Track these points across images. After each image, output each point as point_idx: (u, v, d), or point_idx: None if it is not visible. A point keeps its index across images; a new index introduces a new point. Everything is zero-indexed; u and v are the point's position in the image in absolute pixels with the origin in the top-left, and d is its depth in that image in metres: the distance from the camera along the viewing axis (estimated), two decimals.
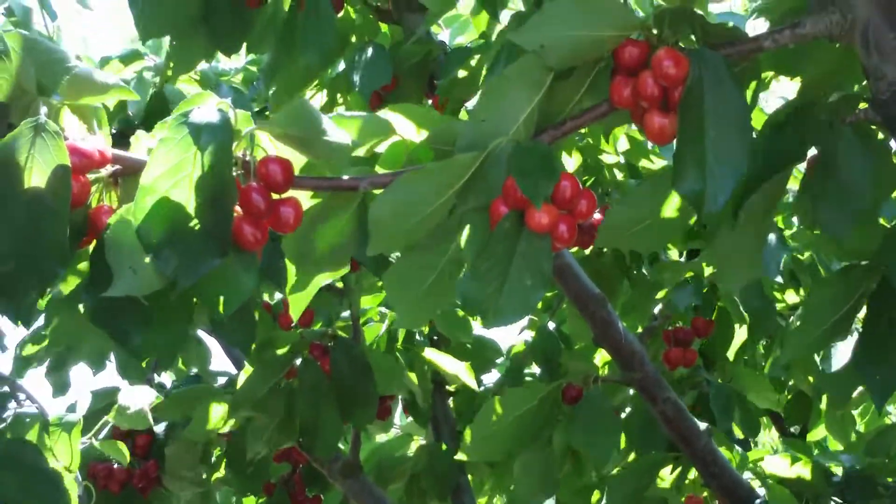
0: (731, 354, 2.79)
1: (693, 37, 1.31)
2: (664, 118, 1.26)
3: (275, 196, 1.23)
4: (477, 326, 3.43)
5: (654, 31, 1.27)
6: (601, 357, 2.76)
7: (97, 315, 1.18)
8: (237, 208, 1.19)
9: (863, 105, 1.34)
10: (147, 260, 1.13)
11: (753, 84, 1.40)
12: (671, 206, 1.37)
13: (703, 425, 2.21)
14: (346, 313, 2.67)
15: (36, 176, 1.11)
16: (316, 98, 2.73)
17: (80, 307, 1.28)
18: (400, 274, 1.34)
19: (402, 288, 1.35)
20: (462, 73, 2.32)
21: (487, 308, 1.24)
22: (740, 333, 2.77)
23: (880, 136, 1.38)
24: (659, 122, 1.26)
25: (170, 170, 1.10)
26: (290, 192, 1.25)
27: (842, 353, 1.89)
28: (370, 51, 2.39)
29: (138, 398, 1.87)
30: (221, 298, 1.19)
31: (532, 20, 1.23)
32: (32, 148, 1.11)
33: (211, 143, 1.11)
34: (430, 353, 2.78)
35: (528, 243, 1.25)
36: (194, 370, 3.02)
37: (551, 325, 3.29)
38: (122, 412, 1.82)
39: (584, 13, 1.22)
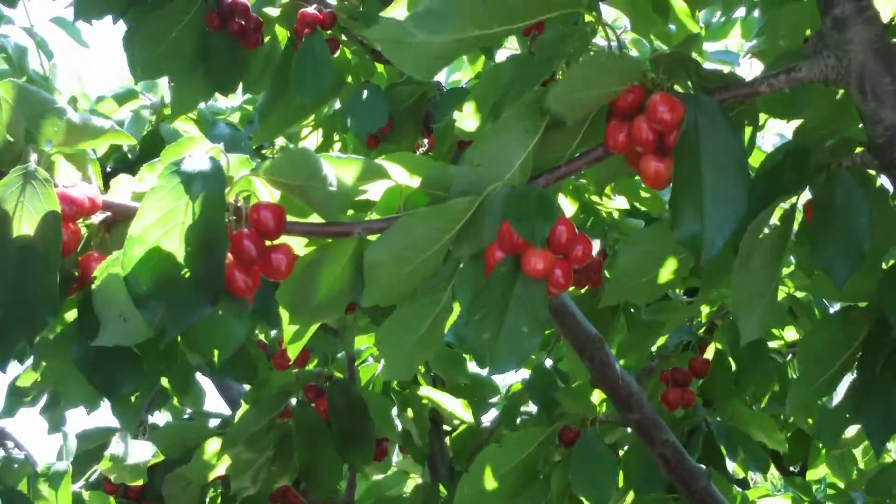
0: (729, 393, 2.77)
1: (689, 82, 1.30)
2: (660, 163, 1.25)
3: (267, 242, 1.22)
4: (473, 364, 3.41)
5: (650, 76, 1.27)
6: (598, 394, 2.74)
7: (85, 365, 1.17)
8: (228, 255, 1.17)
9: (859, 149, 1.33)
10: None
11: (749, 128, 1.40)
12: (673, 255, 1.36)
13: (701, 467, 2.19)
14: (341, 353, 2.66)
15: (26, 224, 1.09)
16: (311, 137, 2.72)
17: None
18: (394, 328, 1.33)
19: (394, 341, 1.33)
20: (457, 114, 2.31)
21: (484, 355, 1.23)
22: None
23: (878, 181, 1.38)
24: (655, 167, 1.25)
25: (160, 219, 1.09)
26: (283, 238, 1.24)
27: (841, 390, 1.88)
28: (366, 92, 2.39)
29: (137, 453, 1.84)
30: (214, 346, 1.17)
31: (560, 86, 1.22)
32: (22, 196, 1.10)
33: (203, 191, 1.10)
34: (427, 391, 2.76)
35: (524, 288, 1.24)
36: (189, 411, 2.99)
37: (548, 363, 3.27)
38: (118, 464, 1.79)
39: (599, 74, 1.22)
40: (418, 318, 1.33)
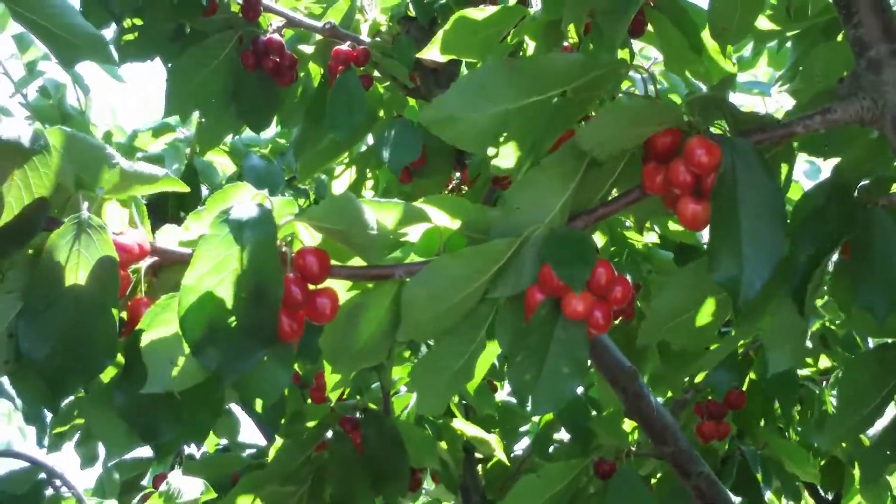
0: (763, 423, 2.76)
1: (725, 123, 1.32)
2: (697, 205, 1.26)
3: (311, 287, 1.24)
4: (503, 393, 3.42)
5: (686, 119, 1.29)
6: (629, 423, 2.74)
7: (128, 411, 1.19)
8: None
9: (895, 188, 1.34)
10: (186, 355, 1.14)
11: (786, 166, 1.41)
12: (711, 296, 1.37)
13: (736, 499, 2.19)
14: (375, 384, 2.68)
15: (82, 271, 1.12)
16: (345, 175, 2.75)
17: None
18: (428, 364, 1.35)
19: (429, 377, 1.35)
20: (492, 151, 2.33)
21: (525, 396, 1.24)
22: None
23: None
24: (692, 209, 1.26)
25: (214, 267, 1.11)
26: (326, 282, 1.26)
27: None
28: (399, 126, 2.41)
29: (188, 490, 1.86)
30: (258, 393, 1.19)
31: (591, 124, 1.25)
32: (77, 244, 1.12)
33: (253, 238, 1.13)
34: (460, 424, 2.77)
35: (565, 330, 1.26)
36: (224, 441, 3.01)
37: (579, 391, 3.27)
38: (168, 501, 1.81)
39: (636, 117, 1.24)
40: (453, 355, 1.35)
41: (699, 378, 2.55)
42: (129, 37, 2.32)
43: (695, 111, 1.29)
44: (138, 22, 2.33)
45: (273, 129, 3.38)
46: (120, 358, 1.25)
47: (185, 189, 1.28)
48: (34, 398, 1.17)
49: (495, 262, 1.28)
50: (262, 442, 2.96)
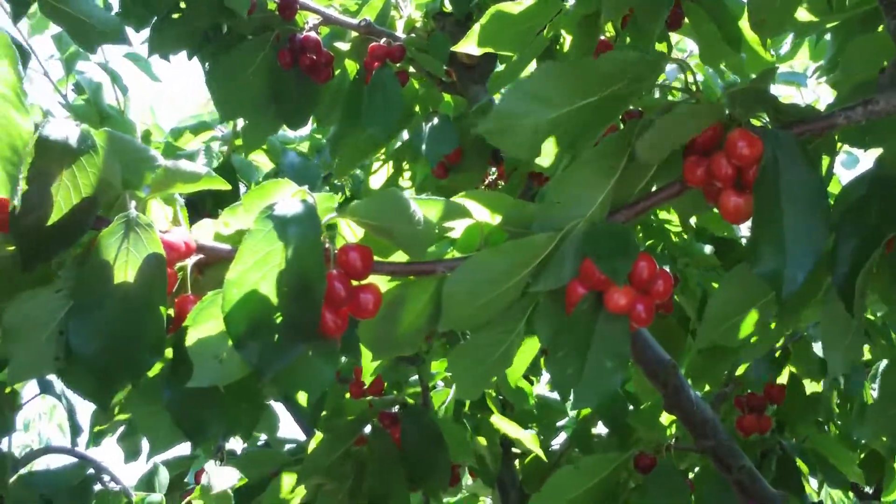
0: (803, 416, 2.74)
1: (766, 116, 1.32)
2: (739, 198, 1.26)
3: (354, 282, 1.25)
4: (538, 388, 3.42)
5: (727, 112, 1.28)
6: (666, 416, 2.73)
7: (175, 406, 1.21)
8: None
9: None
10: (231, 350, 1.15)
11: (827, 158, 1.40)
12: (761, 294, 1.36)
13: (779, 492, 2.18)
14: (413, 377, 2.68)
15: (130, 269, 1.14)
16: (381, 170, 2.77)
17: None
18: (466, 352, 1.36)
19: (468, 364, 1.37)
20: None
21: (567, 390, 1.25)
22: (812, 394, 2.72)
23: None
24: (734, 202, 1.26)
25: (257, 262, 1.13)
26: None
27: None
28: (436, 119, 2.42)
29: (223, 479, 1.89)
30: (302, 387, 1.20)
31: (648, 137, 1.25)
32: (125, 242, 1.14)
33: (297, 234, 1.14)
34: (497, 420, 2.77)
35: (607, 324, 1.26)
36: (263, 437, 3.04)
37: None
38: (205, 493, 1.84)
39: (683, 121, 1.24)
40: (491, 345, 1.36)
41: (740, 371, 2.54)
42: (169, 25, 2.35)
43: (736, 104, 1.28)
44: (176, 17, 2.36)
45: (309, 126, 3.40)
46: (167, 354, 1.27)
47: (227, 187, 1.29)
48: (84, 394, 1.19)
49: (536, 256, 1.28)
50: (301, 437, 2.99)
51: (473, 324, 1.34)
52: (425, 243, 1.27)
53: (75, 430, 2.62)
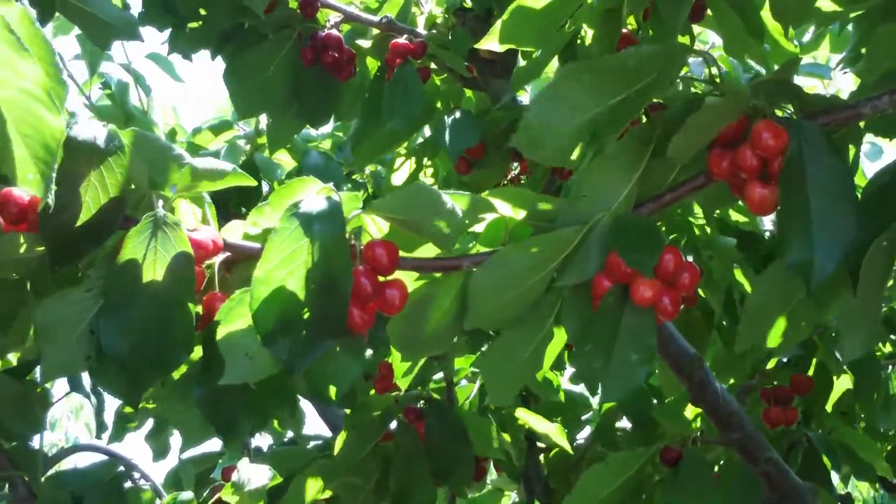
0: (829, 407, 2.73)
1: (790, 107, 1.31)
2: (765, 189, 1.26)
3: (380, 278, 1.25)
4: (562, 382, 3.42)
5: (752, 103, 1.28)
6: (691, 410, 2.72)
7: (206, 404, 1.22)
8: None
9: None
10: (259, 346, 1.16)
11: (853, 148, 1.40)
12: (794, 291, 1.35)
13: (807, 483, 2.17)
14: (437, 374, 2.69)
15: (159, 268, 1.15)
16: (404, 167, 2.77)
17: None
18: (496, 354, 1.36)
19: (498, 366, 1.37)
20: None
21: (595, 384, 1.25)
22: (838, 386, 2.71)
23: None
24: (760, 193, 1.26)
25: (283, 260, 1.14)
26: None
27: None
28: (457, 114, 2.42)
29: (257, 476, 1.90)
30: (331, 382, 1.21)
31: (680, 138, 1.25)
32: (153, 241, 1.16)
33: (323, 231, 1.15)
34: (522, 414, 2.77)
35: (633, 317, 1.26)
36: (290, 434, 3.05)
37: None
38: (238, 490, 1.85)
39: (711, 117, 1.24)
40: (521, 344, 1.36)
41: (770, 364, 2.52)
42: (191, 25, 2.36)
43: (760, 95, 1.28)
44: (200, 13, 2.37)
45: (331, 124, 3.41)
46: (197, 351, 1.28)
47: (253, 183, 1.30)
48: (115, 393, 1.20)
49: (562, 250, 1.28)
50: (327, 433, 2.99)
51: (500, 320, 1.34)
52: (455, 233, 1.27)
53: (102, 427, 2.64)
